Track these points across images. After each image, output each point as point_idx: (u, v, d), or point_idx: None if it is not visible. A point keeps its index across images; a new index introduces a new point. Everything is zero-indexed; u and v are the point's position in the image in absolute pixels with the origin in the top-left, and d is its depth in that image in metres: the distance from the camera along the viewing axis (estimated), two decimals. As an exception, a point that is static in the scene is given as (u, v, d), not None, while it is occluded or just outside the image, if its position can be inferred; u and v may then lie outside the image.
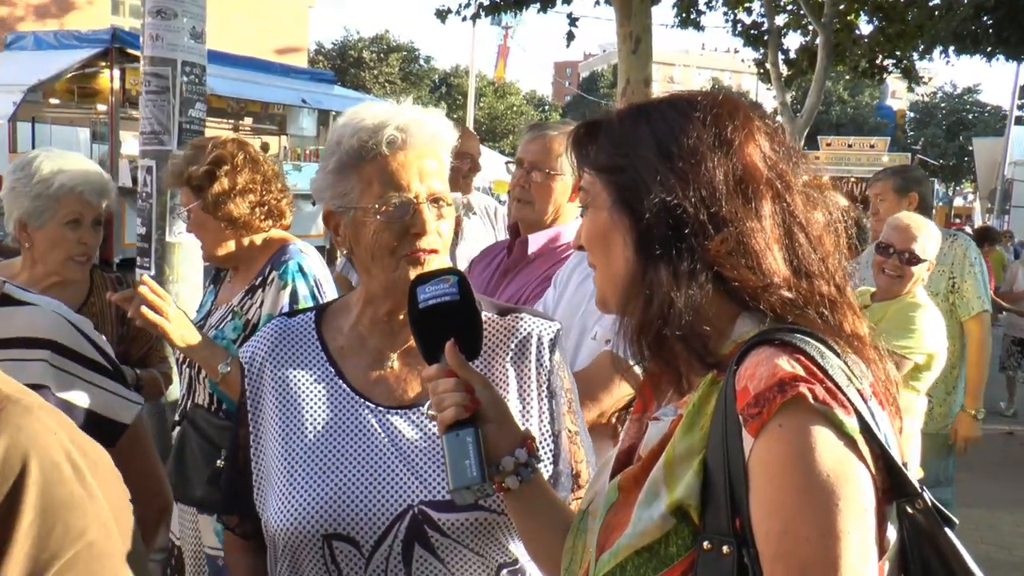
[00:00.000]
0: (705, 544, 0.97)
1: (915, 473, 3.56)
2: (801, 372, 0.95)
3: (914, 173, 4.71)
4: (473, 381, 1.27)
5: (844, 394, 0.95)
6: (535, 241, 2.81)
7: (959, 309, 4.22)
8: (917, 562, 0.99)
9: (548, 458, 1.53)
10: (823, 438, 0.93)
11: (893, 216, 3.70)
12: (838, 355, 1.00)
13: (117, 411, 1.70)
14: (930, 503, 0.99)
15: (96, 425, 1.61)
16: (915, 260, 3.46)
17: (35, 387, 1.43)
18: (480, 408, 1.26)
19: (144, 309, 2.29)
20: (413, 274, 1.43)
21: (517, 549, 1.48)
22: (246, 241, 2.59)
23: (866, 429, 0.95)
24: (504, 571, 1.48)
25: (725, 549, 0.96)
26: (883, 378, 1.05)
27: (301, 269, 2.50)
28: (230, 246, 2.58)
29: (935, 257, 3.56)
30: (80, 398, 1.63)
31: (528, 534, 1.33)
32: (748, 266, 1.05)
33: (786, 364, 0.96)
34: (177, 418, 2.61)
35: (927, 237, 3.50)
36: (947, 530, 0.99)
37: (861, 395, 0.98)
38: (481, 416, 1.26)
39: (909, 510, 0.98)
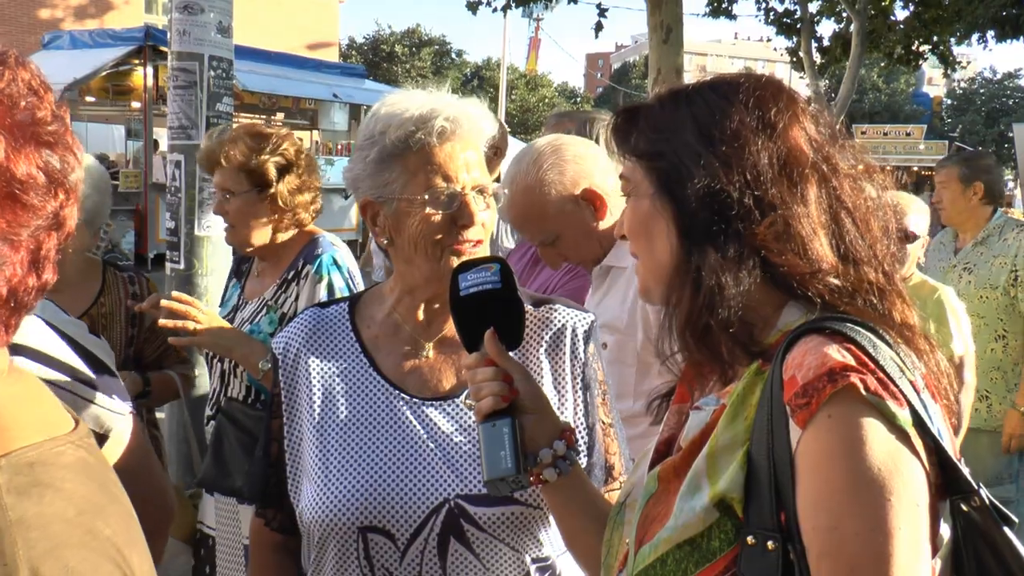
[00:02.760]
0: (749, 539, 0.94)
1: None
2: (852, 362, 0.92)
3: (982, 161, 4.36)
4: (512, 371, 1.26)
5: (896, 385, 0.92)
6: None
7: (1022, 303, 3.95)
8: (972, 561, 0.95)
9: (582, 450, 1.51)
10: (874, 430, 0.90)
11: None
12: (890, 345, 0.96)
13: (95, 421, 1.57)
14: (987, 500, 0.95)
15: None
16: (911, 237, 3.29)
17: None
18: (518, 399, 1.24)
19: (175, 331, 2.34)
20: (457, 264, 1.41)
21: (550, 545, 1.47)
22: (280, 236, 2.59)
23: (919, 422, 0.92)
24: (535, 567, 1.47)
25: (770, 544, 0.93)
26: (935, 370, 1.02)
27: (335, 262, 2.51)
28: (266, 238, 2.58)
29: (927, 233, 3.43)
30: None
31: (566, 527, 1.31)
32: (795, 251, 1.02)
33: (836, 353, 0.93)
34: (211, 412, 2.62)
35: (916, 212, 3.33)
36: (1005, 528, 0.95)
37: (914, 387, 0.94)
38: (519, 407, 1.24)
39: (964, 507, 0.95)
